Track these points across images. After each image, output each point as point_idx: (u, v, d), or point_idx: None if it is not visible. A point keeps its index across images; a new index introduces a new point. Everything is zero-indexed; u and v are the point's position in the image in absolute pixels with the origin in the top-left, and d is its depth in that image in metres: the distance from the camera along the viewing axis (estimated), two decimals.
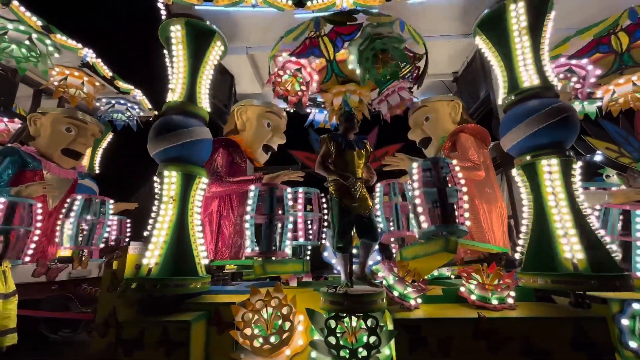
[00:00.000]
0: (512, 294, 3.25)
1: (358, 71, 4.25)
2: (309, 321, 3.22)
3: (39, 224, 4.42)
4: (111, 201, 5.41)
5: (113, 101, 6.34)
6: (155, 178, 3.73)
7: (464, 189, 3.56)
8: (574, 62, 4.78)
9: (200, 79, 4.00)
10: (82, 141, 5.15)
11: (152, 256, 3.16)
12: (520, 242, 3.48)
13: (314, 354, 3.08)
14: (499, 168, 4.60)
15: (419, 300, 3.29)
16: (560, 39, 4.64)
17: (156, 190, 3.68)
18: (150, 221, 3.57)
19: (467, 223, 3.50)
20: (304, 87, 4.52)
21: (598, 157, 4.75)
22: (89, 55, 5.09)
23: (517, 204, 4.06)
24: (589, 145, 4.71)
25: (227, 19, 4.44)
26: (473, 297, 3.31)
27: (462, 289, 3.50)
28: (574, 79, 4.74)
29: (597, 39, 4.63)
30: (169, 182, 3.48)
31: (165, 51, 4.21)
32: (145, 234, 3.54)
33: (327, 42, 4.38)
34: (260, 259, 3.60)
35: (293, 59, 4.49)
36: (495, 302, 3.18)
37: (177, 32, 3.98)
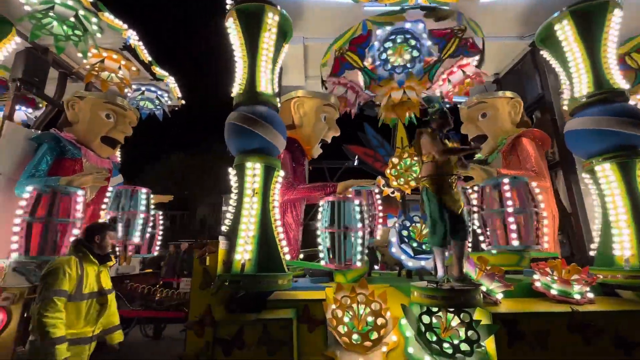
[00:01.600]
0: (588, 288, 3.39)
1: None
2: (396, 316, 3.22)
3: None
4: (145, 191, 5.13)
5: (143, 88, 5.99)
6: (230, 170, 3.57)
7: (544, 212, 3.78)
8: None
9: (259, 65, 3.84)
10: (121, 129, 4.82)
11: (244, 251, 3.02)
12: (595, 240, 3.63)
13: (411, 349, 3.07)
14: (553, 168, 4.73)
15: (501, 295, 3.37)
16: None
17: (232, 183, 3.52)
18: (229, 215, 3.42)
19: (545, 245, 3.74)
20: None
21: None
22: (132, 37, 4.75)
23: (577, 202, 4.21)
24: None
25: (290, 5, 4.27)
26: (553, 292, 3.41)
27: (538, 283, 3.60)
28: None
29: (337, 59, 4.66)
30: (252, 174, 3.33)
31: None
32: (224, 228, 3.38)
33: (352, 55, 4.50)
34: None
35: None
36: (577, 296, 3.30)
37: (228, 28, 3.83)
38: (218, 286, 2.83)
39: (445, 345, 2.90)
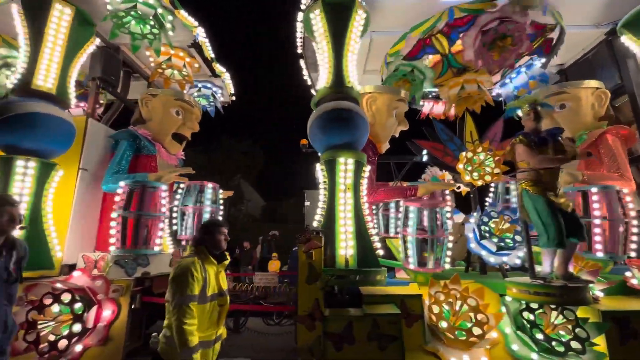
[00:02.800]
0: None
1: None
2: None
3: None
4: (215, 187, 5.20)
5: (200, 84, 6.04)
6: (318, 165, 3.57)
7: (635, 221, 3.68)
8: None
9: (346, 58, 3.82)
10: (189, 125, 4.88)
11: (347, 247, 3.02)
12: None
13: (515, 346, 3.03)
14: (632, 163, 4.54)
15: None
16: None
17: (321, 179, 3.52)
18: (319, 210, 3.43)
19: (632, 254, 3.65)
20: None
21: None
22: (200, 34, 4.79)
23: None
24: None
25: None
26: None
27: (634, 281, 3.50)
28: None
29: (421, 40, 4.39)
30: (344, 169, 3.32)
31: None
32: (315, 223, 3.40)
33: (441, 38, 4.35)
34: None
35: None
36: None
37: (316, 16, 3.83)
38: (326, 281, 2.84)
39: (554, 343, 2.85)
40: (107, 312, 3.03)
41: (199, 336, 2.09)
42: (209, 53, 5.18)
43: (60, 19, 3.74)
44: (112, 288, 3.12)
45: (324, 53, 3.79)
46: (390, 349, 2.77)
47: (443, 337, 3.02)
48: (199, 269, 2.17)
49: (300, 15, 4.49)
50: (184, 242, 4.75)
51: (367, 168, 3.60)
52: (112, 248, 3.52)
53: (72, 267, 3.74)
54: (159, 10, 4.15)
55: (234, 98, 6.72)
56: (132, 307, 3.15)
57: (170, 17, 4.29)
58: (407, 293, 3.26)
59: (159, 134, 4.62)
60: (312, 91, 6.54)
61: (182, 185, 4.88)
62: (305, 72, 5.89)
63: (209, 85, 6.10)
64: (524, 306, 3.12)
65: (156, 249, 3.81)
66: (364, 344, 2.77)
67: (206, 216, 4.90)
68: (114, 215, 3.61)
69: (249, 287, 4.30)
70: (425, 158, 4.78)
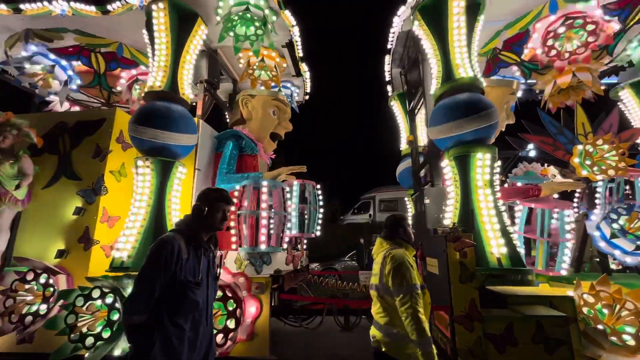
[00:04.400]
0: None
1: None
2: None
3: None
4: (303, 184, 5.21)
5: (281, 84, 6.09)
6: (446, 162, 3.46)
7: None
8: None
9: (470, 48, 3.67)
10: (284, 125, 4.93)
11: (498, 245, 2.90)
12: None
13: None
14: None
15: None
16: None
17: (449, 175, 3.42)
18: (449, 208, 3.32)
19: None
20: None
21: None
22: (295, 33, 4.80)
23: None
24: None
25: None
26: None
27: None
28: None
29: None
30: (481, 164, 3.19)
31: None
32: (446, 222, 3.30)
33: (507, 54, 4.41)
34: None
35: None
36: None
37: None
38: (482, 280, 2.74)
39: None
40: (252, 309, 3.08)
41: None
42: (299, 52, 5.19)
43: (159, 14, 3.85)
44: (254, 285, 3.18)
45: (445, 46, 3.66)
46: (558, 353, 2.63)
47: (603, 342, 2.83)
48: (412, 259, 2.12)
49: (401, 9, 4.42)
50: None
51: (498, 163, 3.45)
52: (233, 246, 3.60)
53: None
54: (266, 12, 4.19)
55: (307, 97, 6.74)
56: (272, 304, 3.19)
57: (274, 18, 4.32)
58: (554, 294, 3.09)
59: (259, 134, 4.70)
60: (389, 87, 6.44)
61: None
62: (387, 67, 5.80)
63: (288, 85, 6.15)
64: None
65: (276, 247, 3.87)
66: (528, 347, 2.64)
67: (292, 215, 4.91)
68: (236, 215, 3.68)
69: (353, 286, 4.28)
70: (533, 153, 4.55)
